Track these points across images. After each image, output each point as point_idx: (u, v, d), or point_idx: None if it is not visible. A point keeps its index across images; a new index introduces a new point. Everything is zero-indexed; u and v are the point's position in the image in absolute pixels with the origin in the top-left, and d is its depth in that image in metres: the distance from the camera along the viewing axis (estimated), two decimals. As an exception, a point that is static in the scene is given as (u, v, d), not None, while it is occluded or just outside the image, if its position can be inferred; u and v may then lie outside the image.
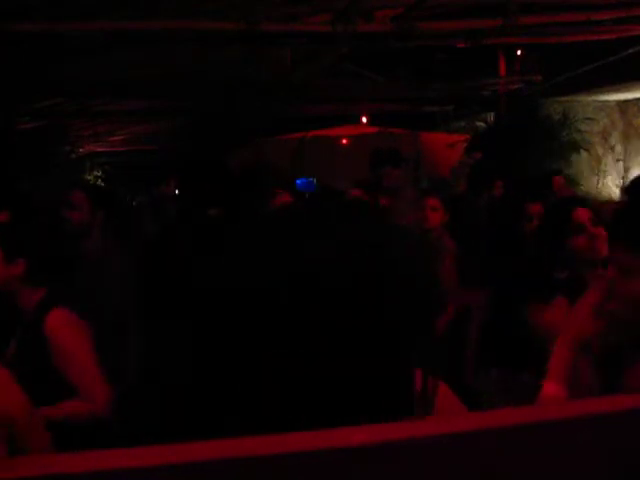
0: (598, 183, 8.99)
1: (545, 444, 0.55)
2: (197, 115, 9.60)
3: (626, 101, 9.19)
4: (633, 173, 9.18)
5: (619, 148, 9.35)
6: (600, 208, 2.60)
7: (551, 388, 1.45)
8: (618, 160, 9.31)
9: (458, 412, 1.02)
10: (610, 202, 6.91)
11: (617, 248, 1.52)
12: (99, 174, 11.96)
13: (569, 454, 0.56)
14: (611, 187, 9.05)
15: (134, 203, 8.91)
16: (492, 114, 8.16)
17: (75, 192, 3.39)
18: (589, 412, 0.57)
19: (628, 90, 8.45)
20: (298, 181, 8.33)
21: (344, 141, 8.58)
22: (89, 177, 11.43)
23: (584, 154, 7.97)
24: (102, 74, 6.74)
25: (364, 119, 9.64)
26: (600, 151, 9.17)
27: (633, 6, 5.48)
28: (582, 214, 2.39)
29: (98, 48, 5.58)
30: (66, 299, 2.22)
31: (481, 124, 8.00)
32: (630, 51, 6.69)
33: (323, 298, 0.61)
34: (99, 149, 11.99)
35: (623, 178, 9.21)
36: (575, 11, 5.58)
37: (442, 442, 0.54)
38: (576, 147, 7.53)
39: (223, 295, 0.63)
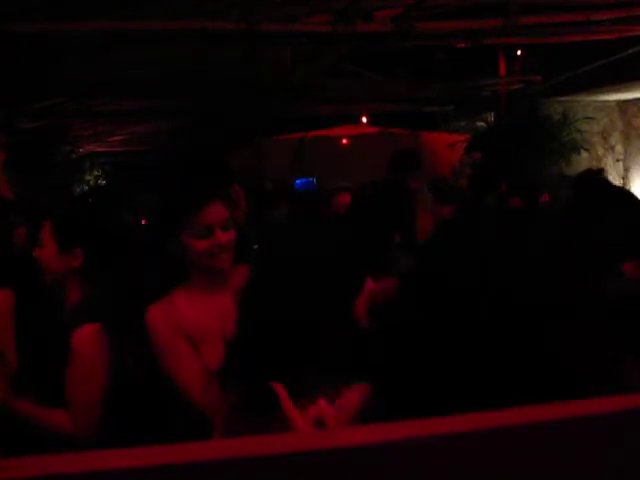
0: (598, 183, 8.99)
1: (545, 444, 0.55)
2: (197, 115, 9.60)
3: (626, 101, 9.19)
4: (633, 173, 9.19)
5: (619, 148, 9.35)
6: None
7: None
8: (618, 160, 9.31)
9: None
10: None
11: None
12: (99, 174, 11.95)
13: (569, 454, 0.56)
14: (611, 187, 9.05)
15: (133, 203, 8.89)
16: (492, 114, 8.15)
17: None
18: (589, 412, 0.57)
19: (628, 90, 8.45)
20: (298, 181, 8.33)
21: (344, 141, 8.59)
22: (89, 177, 11.43)
23: (584, 154, 7.97)
24: (102, 74, 6.74)
25: (364, 119, 9.64)
26: (600, 151, 9.17)
27: (633, 6, 5.48)
28: None
29: (98, 48, 5.58)
30: (100, 311, 2.09)
31: (481, 124, 8.00)
32: (630, 51, 6.70)
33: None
34: (99, 149, 11.98)
35: (623, 178, 9.21)
36: (575, 11, 5.58)
37: (442, 442, 0.54)
38: (576, 147, 7.53)
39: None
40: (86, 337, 2.01)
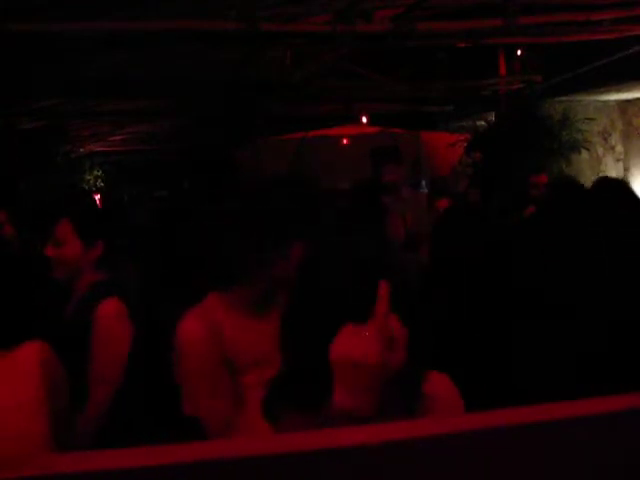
0: (598, 183, 8.99)
1: (545, 444, 0.55)
2: (197, 115, 9.60)
3: (626, 101, 9.18)
4: (633, 173, 9.19)
5: (619, 148, 9.35)
6: None
7: None
8: (618, 160, 9.31)
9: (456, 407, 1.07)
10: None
11: None
12: (99, 174, 11.97)
13: (569, 454, 0.56)
14: (611, 187, 9.05)
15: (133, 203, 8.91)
16: (492, 114, 8.16)
17: None
18: (589, 412, 0.58)
19: (628, 90, 8.45)
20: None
21: (344, 141, 8.59)
22: (89, 177, 11.45)
23: (584, 154, 7.96)
24: (102, 74, 6.75)
25: (364, 119, 9.64)
26: (600, 151, 9.16)
27: (633, 6, 5.48)
28: None
29: (98, 48, 5.58)
30: (121, 290, 2.20)
31: (481, 124, 8.00)
32: (630, 51, 6.69)
33: None
34: (99, 149, 12.00)
35: (623, 178, 9.21)
36: (575, 11, 5.58)
37: (442, 442, 0.54)
38: (576, 147, 7.53)
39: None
40: (110, 310, 2.09)
